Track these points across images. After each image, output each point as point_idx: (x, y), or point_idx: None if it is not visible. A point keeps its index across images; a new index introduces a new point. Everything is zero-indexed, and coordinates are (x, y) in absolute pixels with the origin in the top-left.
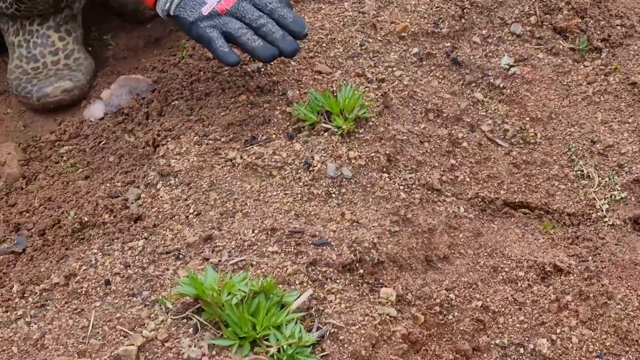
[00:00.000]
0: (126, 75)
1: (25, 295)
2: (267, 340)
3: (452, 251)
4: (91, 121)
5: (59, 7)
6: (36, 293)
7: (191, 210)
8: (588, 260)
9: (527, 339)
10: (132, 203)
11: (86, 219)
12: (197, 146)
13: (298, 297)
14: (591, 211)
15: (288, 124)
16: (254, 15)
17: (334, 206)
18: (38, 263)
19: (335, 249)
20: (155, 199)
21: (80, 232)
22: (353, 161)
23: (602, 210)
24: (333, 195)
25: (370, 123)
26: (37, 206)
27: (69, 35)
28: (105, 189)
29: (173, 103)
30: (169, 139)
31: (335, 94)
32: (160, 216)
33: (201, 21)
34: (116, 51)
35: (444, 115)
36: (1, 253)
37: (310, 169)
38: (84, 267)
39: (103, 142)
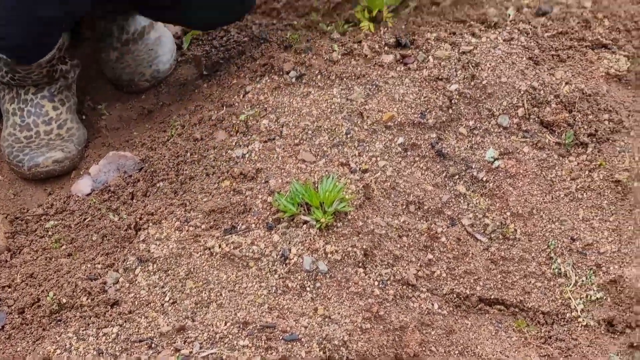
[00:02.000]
0: (115, 152)
1: None
2: None
3: (423, 349)
4: (78, 196)
5: (53, 77)
6: None
7: (167, 298)
8: None
9: None
10: (110, 287)
11: (64, 300)
12: (177, 232)
13: None
14: (566, 311)
15: (268, 213)
16: None
17: (308, 300)
18: (15, 342)
19: (305, 345)
20: (133, 284)
21: (58, 314)
22: (329, 255)
23: (577, 311)
24: (307, 289)
25: (349, 217)
26: (19, 282)
27: (63, 105)
28: (86, 270)
29: (158, 184)
30: (151, 224)
31: (316, 186)
32: (136, 302)
33: None
34: (109, 121)
35: (425, 207)
36: None
37: (287, 261)
38: (59, 351)
39: (88, 219)
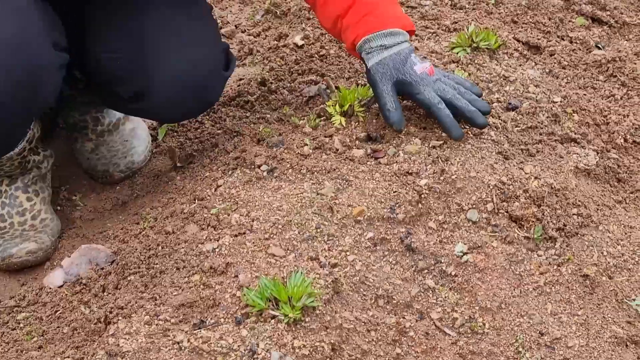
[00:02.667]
0: (87, 244)
1: None
2: None
3: None
4: (50, 288)
5: (26, 167)
6: None
7: None
8: None
9: None
10: None
11: None
12: (147, 326)
13: None
14: None
15: (237, 308)
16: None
17: None
18: None
19: None
20: None
21: None
22: (297, 350)
23: None
24: None
25: (318, 311)
26: None
27: (37, 196)
28: None
29: (129, 278)
30: (121, 317)
31: (285, 280)
32: None
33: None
34: (83, 212)
35: (394, 301)
36: None
37: (255, 356)
38: None
39: (59, 312)
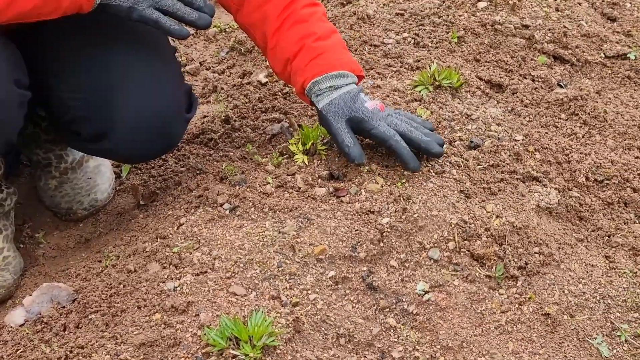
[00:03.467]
0: (49, 283)
1: None
2: None
3: None
4: (11, 327)
5: None
6: None
7: None
8: None
9: None
10: None
11: None
12: None
13: None
14: None
15: (198, 347)
16: None
17: None
18: None
19: None
20: None
21: None
22: None
23: None
24: None
25: (278, 351)
26: None
27: (0, 234)
28: None
29: (90, 317)
30: (81, 357)
31: (246, 320)
32: None
33: (137, 3)
34: (46, 250)
35: (355, 340)
36: None
37: None
38: None
39: (20, 351)
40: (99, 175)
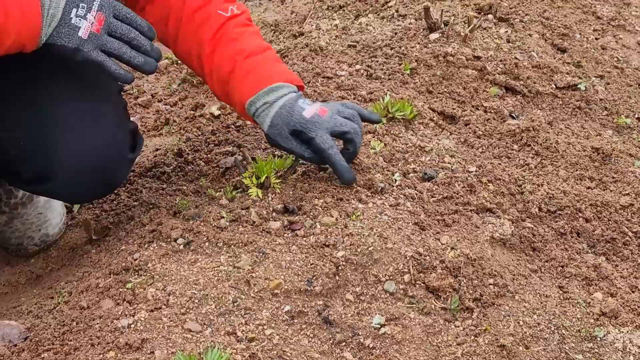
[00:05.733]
0: (0, 321)
1: None
2: None
3: None
4: None
5: None
6: None
7: None
8: None
9: None
10: None
11: None
12: None
13: None
14: None
15: None
16: (124, 29)
17: None
18: None
19: None
20: None
21: None
22: None
23: None
24: None
25: None
26: None
27: None
28: None
29: (43, 355)
30: None
31: (202, 356)
32: None
33: (83, 45)
34: None
35: None
36: None
37: None
38: None
39: None
40: (50, 210)
